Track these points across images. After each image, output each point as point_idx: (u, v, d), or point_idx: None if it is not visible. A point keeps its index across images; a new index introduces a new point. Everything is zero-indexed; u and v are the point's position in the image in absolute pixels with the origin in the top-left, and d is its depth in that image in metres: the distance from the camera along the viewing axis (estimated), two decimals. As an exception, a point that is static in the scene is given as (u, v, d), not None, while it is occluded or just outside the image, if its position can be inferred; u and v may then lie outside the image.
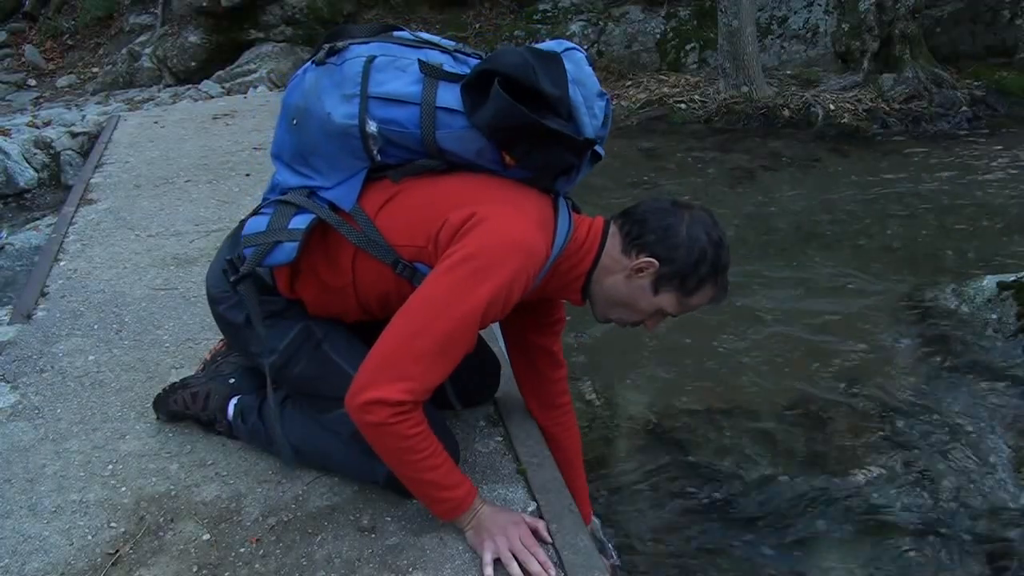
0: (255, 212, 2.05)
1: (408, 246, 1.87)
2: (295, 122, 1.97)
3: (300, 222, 1.92)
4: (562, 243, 1.90)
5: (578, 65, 1.90)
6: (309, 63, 1.99)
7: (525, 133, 1.79)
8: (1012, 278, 4.08)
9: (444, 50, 1.94)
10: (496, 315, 1.79)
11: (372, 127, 1.85)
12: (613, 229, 1.96)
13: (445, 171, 1.91)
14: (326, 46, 1.96)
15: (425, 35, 2.01)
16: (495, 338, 2.83)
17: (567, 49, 1.93)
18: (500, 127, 1.79)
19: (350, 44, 1.93)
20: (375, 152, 1.88)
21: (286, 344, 2.07)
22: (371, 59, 1.88)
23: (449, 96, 1.84)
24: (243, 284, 2.04)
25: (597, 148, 1.94)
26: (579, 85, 1.86)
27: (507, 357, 2.43)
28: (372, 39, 1.95)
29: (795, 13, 9.57)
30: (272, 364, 2.10)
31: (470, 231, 1.76)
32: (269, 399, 2.20)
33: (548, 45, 1.93)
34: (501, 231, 1.76)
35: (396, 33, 1.99)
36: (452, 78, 1.85)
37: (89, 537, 2.04)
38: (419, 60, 1.87)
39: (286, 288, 2.05)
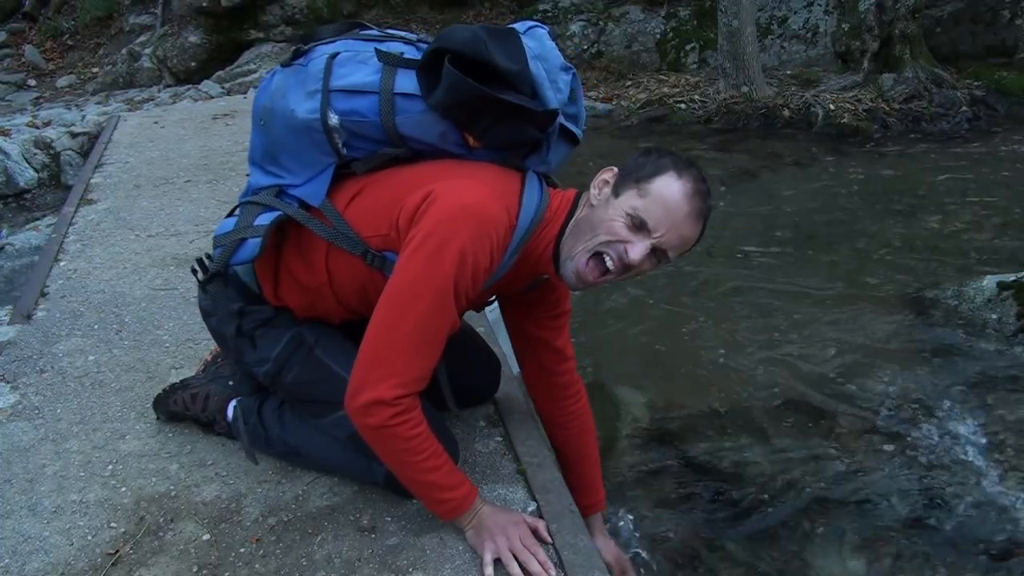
0: (229, 214, 2.07)
1: (375, 236, 1.87)
2: (262, 123, 2.00)
3: (265, 219, 1.94)
4: (531, 216, 1.87)
5: (540, 41, 1.90)
6: (277, 67, 2.01)
7: (480, 108, 1.79)
8: (1012, 278, 4.07)
9: (407, 41, 1.95)
10: (468, 287, 1.76)
11: (334, 120, 1.86)
12: (586, 197, 1.93)
13: (411, 159, 1.91)
14: (293, 49, 1.99)
15: (392, 30, 2.02)
16: (495, 339, 2.83)
17: (530, 28, 1.94)
18: (453, 104, 1.79)
19: (315, 45, 1.96)
20: (340, 145, 1.90)
21: (278, 352, 2.07)
22: (333, 55, 1.90)
23: (407, 82, 1.85)
24: (212, 284, 2.07)
25: (569, 125, 1.94)
26: (541, 60, 1.86)
27: (507, 357, 2.43)
28: (337, 38, 1.98)
29: (795, 13, 9.56)
30: (266, 373, 2.10)
31: (425, 212, 1.75)
32: (268, 402, 2.23)
33: (511, 25, 1.94)
34: (452, 203, 1.74)
35: (363, 31, 2.01)
36: (410, 64, 1.86)
37: (89, 537, 2.04)
38: (376, 50, 1.88)
39: (271, 295, 2.06)
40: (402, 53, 1.89)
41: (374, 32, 2.01)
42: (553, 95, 1.86)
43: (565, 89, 1.91)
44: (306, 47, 1.97)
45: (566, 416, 2.34)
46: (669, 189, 1.79)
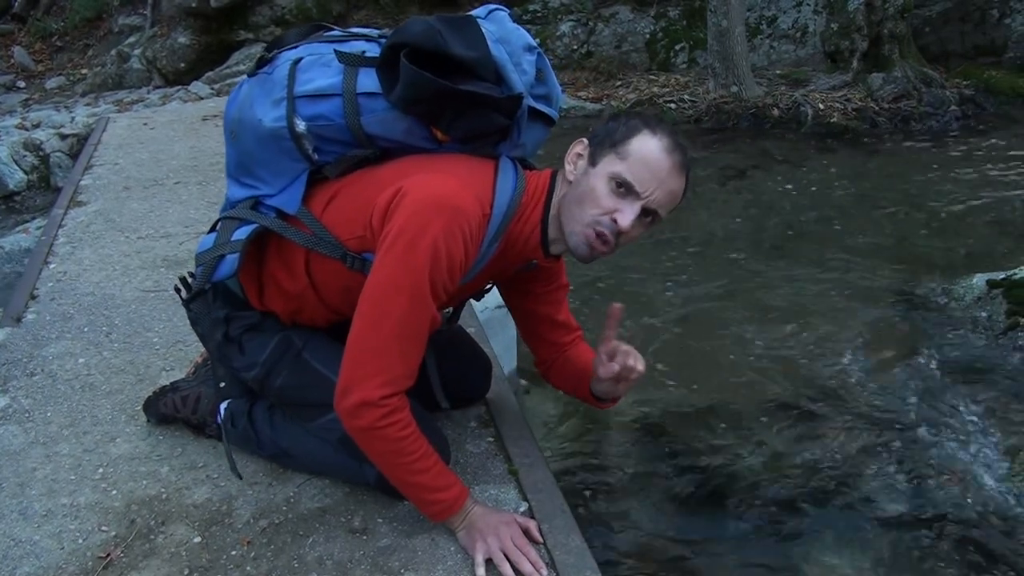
0: (210, 230, 2.07)
1: (351, 238, 1.87)
2: (233, 135, 2.00)
3: (241, 233, 1.94)
4: (507, 202, 1.86)
5: (501, 24, 1.90)
6: (245, 77, 2.02)
7: (441, 101, 1.79)
8: (1001, 276, 4.09)
9: (370, 39, 1.95)
10: (445, 280, 1.76)
11: (301, 126, 1.86)
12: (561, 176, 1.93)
13: (383, 159, 1.91)
14: (258, 57, 1.99)
15: (355, 29, 2.02)
16: (486, 339, 2.83)
17: (491, 11, 1.93)
18: (414, 99, 1.79)
19: (279, 52, 1.96)
20: (310, 151, 1.90)
21: (266, 357, 2.07)
22: (297, 61, 1.90)
23: (369, 81, 1.85)
24: (196, 303, 2.07)
25: (540, 106, 1.93)
26: (503, 43, 1.85)
27: (497, 358, 2.44)
28: (302, 42, 1.97)
29: (784, 13, 9.59)
30: (254, 377, 2.10)
31: (396, 209, 1.75)
32: (258, 404, 2.23)
33: (473, 12, 1.93)
34: (421, 198, 1.73)
35: (327, 33, 2.01)
36: (372, 63, 1.86)
37: (80, 541, 2.03)
38: (335, 51, 1.88)
39: (257, 302, 2.06)
40: (364, 52, 1.89)
41: (337, 33, 2.00)
42: (518, 77, 1.85)
43: (531, 70, 1.89)
44: (270, 55, 1.97)
45: (581, 375, 2.23)
46: (648, 146, 1.79)
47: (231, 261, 1.93)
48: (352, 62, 1.87)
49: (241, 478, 2.20)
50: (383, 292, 1.74)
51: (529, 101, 1.89)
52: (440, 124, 1.86)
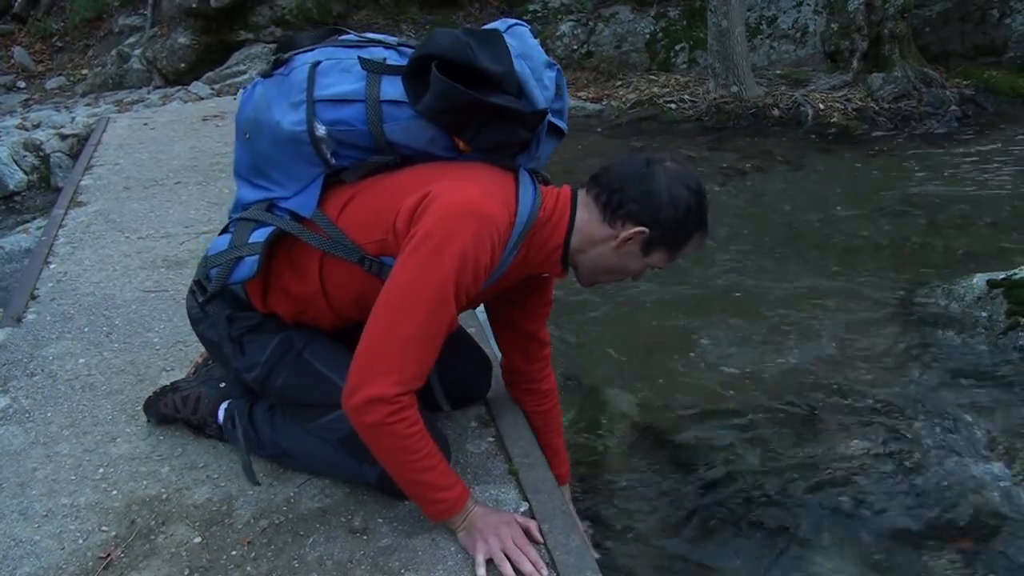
0: (222, 231, 2.07)
1: (370, 242, 1.88)
2: (247, 136, 1.99)
3: (259, 236, 1.93)
4: (528, 212, 1.88)
5: (522, 39, 1.92)
6: (259, 78, 2.01)
7: (469, 113, 1.80)
8: (1002, 276, 4.09)
9: (388, 46, 1.95)
10: (469, 286, 1.78)
11: (321, 130, 1.86)
12: (585, 198, 1.94)
13: (401, 165, 1.91)
14: (273, 58, 1.98)
15: (372, 34, 2.02)
16: (486, 338, 2.83)
17: (511, 26, 1.95)
18: (442, 110, 1.80)
19: (295, 54, 1.95)
20: (328, 155, 1.89)
21: (267, 357, 2.07)
22: (315, 64, 1.90)
23: (392, 89, 1.85)
24: (211, 305, 2.06)
25: (556, 121, 1.95)
26: (525, 59, 1.87)
27: (498, 358, 2.44)
28: (317, 45, 1.97)
29: (784, 13, 9.59)
30: (255, 378, 2.10)
31: (424, 212, 1.76)
32: (259, 404, 2.22)
33: (492, 25, 1.95)
34: (451, 203, 1.75)
35: (342, 37, 2.01)
36: (395, 71, 1.86)
37: (80, 541, 2.04)
38: (359, 58, 1.88)
39: (260, 303, 2.06)
40: (384, 59, 1.89)
41: (353, 37, 2.00)
42: (540, 93, 1.87)
43: (551, 86, 1.93)
44: (286, 56, 1.96)
45: (541, 396, 2.43)
46: (694, 247, 1.97)
47: (250, 263, 1.93)
48: (375, 69, 1.87)
49: (259, 484, 2.20)
50: (407, 293, 1.75)
51: (549, 116, 1.91)
52: (465, 135, 1.86)
